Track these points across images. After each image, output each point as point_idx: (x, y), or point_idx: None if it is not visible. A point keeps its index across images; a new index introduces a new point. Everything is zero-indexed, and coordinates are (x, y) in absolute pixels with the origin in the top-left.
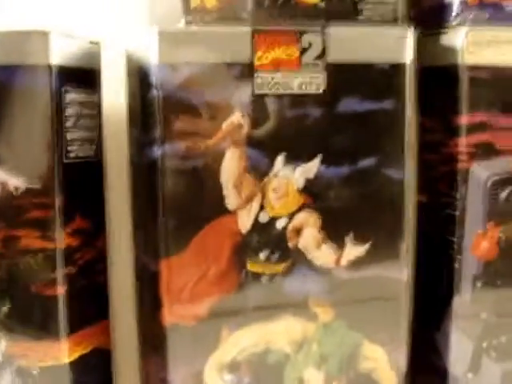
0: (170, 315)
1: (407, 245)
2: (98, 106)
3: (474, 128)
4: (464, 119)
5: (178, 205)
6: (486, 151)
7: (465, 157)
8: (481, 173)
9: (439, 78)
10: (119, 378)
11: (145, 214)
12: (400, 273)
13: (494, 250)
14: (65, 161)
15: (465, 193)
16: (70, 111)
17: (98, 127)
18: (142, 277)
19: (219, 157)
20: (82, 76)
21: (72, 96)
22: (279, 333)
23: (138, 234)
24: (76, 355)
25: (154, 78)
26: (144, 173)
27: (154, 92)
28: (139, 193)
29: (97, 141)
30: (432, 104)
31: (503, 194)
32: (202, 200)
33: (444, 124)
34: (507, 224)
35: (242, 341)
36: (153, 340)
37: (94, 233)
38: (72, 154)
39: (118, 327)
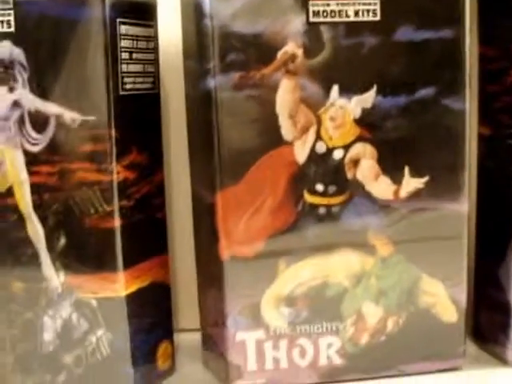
0: (227, 248)
1: (468, 177)
2: (154, 39)
3: None
4: None
5: (233, 136)
6: None
7: None
8: None
9: (500, 6)
10: (178, 311)
11: (201, 146)
12: (461, 206)
13: None
14: (121, 93)
15: None
16: (124, 43)
17: (155, 60)
18: (200, 210)
19: (274, 87)
20: (137, 9)
21: (127, 28)
22: (337, 266)
23: (194, 166)
24: (133, 288)
25: (207, 9)
26: (199, 105)
27: (208, 23)
28: (195, 125)
29: (154, 74)
30: (494, 32)
31: None
32: (257, 131)
33: (506, 52)
34: None
35: (299, 274)
36: (210, 273)
37: (151, 167)
38: (128, 86)
39: (177, 262)
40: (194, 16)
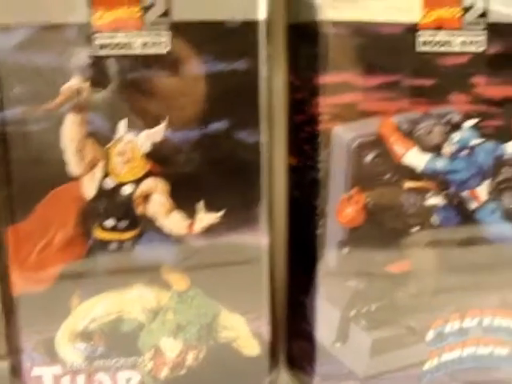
0: (18, 283)
1: (266, 210)
2: None
3: (336, 87)
4: (325, 78)
5: (21, 171)
6: (350, 112)
7: (327, 117)
8: (344, 135)
9: (304, 35)
10: None
11: None
12: (259, 239)
13: (360, 215)
14: None
15: (328, 155)
16: None
17: None
18: None
19: (59, 122)
20: None
21: None
22: (132, 301)
23: None
24: None
25: None
26: None
27: None
28: None
29: None
30: (298, 61)
31: (368, 158)
32: (44, 166)
33: (308, 83)
34: (373, 189)
35: (92, 310)
36: (6, 309)
37: None
38: None
39: None
40: None
